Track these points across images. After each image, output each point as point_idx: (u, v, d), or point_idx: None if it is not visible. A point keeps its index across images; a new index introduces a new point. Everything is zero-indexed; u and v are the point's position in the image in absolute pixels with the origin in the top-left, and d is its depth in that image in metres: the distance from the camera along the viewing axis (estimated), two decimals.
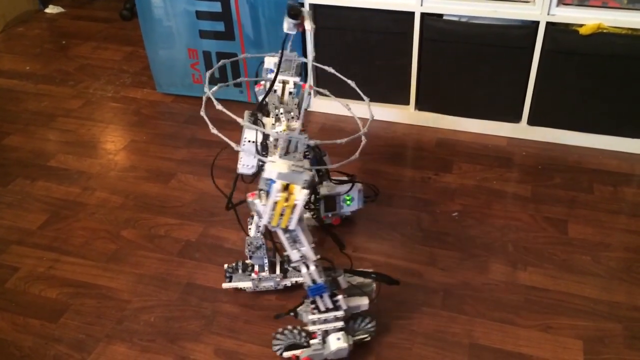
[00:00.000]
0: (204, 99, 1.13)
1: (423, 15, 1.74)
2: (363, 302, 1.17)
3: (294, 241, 1.03)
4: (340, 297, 1.12)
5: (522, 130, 1.84)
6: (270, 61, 1.33)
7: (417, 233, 1.50)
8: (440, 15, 1.76)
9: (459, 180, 1.69)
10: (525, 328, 1.26)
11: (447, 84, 1.85)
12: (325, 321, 1.15)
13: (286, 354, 1.20)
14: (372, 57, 1.87)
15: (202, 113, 1.11)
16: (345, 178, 1.42)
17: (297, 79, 1.25)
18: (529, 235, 1.49)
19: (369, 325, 1.20)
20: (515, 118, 1.84)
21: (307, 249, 1.05)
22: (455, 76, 1.83)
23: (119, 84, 2.29)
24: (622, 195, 1.61)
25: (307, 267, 1.07)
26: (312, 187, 0.98)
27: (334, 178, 1.44)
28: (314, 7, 1.82)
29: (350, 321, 1.18)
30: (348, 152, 1.06)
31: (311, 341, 1.18)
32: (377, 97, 1.85)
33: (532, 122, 1.82)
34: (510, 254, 1.44)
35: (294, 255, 1.05)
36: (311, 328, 1.16)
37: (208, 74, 1.17)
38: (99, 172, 1.80)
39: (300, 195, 0.94)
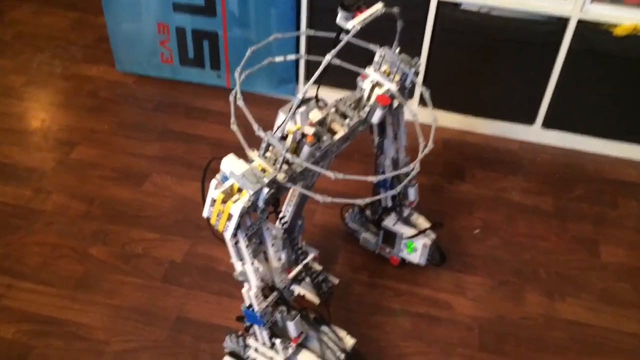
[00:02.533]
0: (232, 102, 0.89)
1: (439, 3, 1.54)
2: None
3: (239, 253, 0.88)
4: (277, 341, 0.95)
5: (535, 134, 1.69)
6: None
7: (437, 254, 1.33)
8: (458, 4, 1.56)
9: (475, 190, 1.53)
10: None
11: (458, 79, 1.66)
12: (263, 356, 0.99)
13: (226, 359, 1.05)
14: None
15: (234, 127, 0.87)
16: (422, 222, 1.23)
17: (394, 88, 1.02)
18: (560, 258, 1.35)
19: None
20: (529, 120, 1.68)
21: (249, 268, 0.89)
22: (468, 71, 1.65)
23: (68, 58, 1.95)
24: None
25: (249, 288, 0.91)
26: (267, 204, 0.82)
27: (414, 215, 1.24)
28: None
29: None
30: None
31: None
32: None
33: (547, 125, 1.67)
34: (544, 281, 1.29)
35: (236, 265, 0.90)
36: (250, 354, 1.01)
37: (238, 72, 0.91)
38: (53, 169, 1.50)
39: (236, 205, 0.80)
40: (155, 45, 1.79)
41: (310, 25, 1.67)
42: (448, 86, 1.68)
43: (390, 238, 1.23)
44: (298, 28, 1.68)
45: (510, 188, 1.54)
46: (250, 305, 0.92)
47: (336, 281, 1.21)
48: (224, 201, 0.81)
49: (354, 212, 1.31)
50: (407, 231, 1.20)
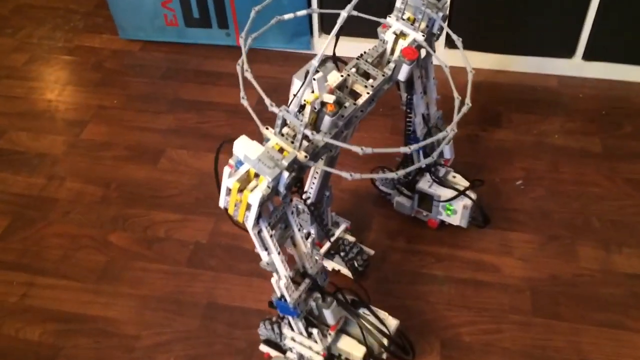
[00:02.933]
0: (240, 73, 0.79)
1: None
2: (356, 352, 0.90)
3: (263, 243, 0.79)
4: (315, 331, 0.88)
5: (575, 67, 1.54)
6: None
7: (480, 215, 1.23)
8: None
9: (514, 137, 1.41)
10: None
11: (486, 14, 1.51)
12: (301, 344, 0.91)
13: (262, 347, 0.99)
14: None
15: (244, 102, 0.77)
16: (459, 181, 1.12)
17: (421, 38, 0.90)
18: (613, 204, 1.24)
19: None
20: (568, 53, 1.53)
21: (276, 258, 0.80)
22: (497, 4, 1.49)
23: (70, 29, 1.85)
24: None
25: (278, 277, 0.83)
26: (289, 188, 0.73)
27: (451, 174, 1.13)
28: None
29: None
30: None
31: (289, 353, 0.95)
32: None
33: (588, 56, 1.52)
34: (598, 231, 1.19)
35: (262, 255, 0.81)
36: (286, 342, 0.94)
37: (242, 38, 0.81)
38: (65, 153, 1.42)
39: (254, 194, 0.70)
40: (157, 7, 1.67)
41: None
42: (476, 23, 1.53)
43: (426, 201, 1.13)
44: None
45: (552, 131, 1.41)
46: (282, 296, 0.84)
47: (371, 252, 1.13)
48: (241, 190, 0.72)
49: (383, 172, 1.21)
50: (444, 193, 1.10)
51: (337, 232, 1.11)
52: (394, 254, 1.17)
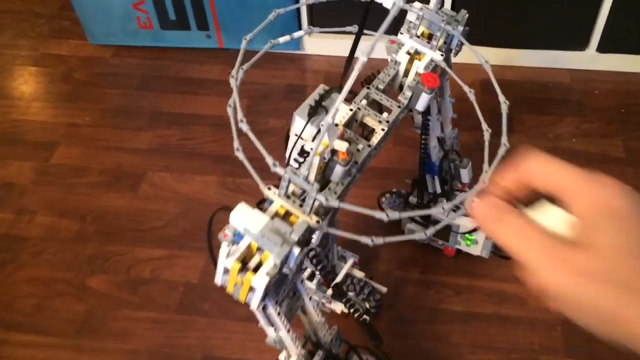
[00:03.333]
0: (232, 116, 0.66)
1: None
2: None
3: (269, 319, 0.67)
4: None
5: (589, 60, 1.42)
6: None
7: None
8: None
9: (527, 141, 1.29)
10: None
11: (490, 5, 1.38)
12: None
13: None
14: None
15: (239, 154, 0.63)
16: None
17: (439, 57, 0.77)
18: None
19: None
20: (581, 44, 1.41)
21: (285, 336, 0.68)
22: None
23: (35, 35, 1.68)
24: None
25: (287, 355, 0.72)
26: (299, 268, 0.62)
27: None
28: None
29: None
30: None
31: None
32: None
33: (603, 48, 1.40)
34: None
35: (269, 332, 0.70)
36: None
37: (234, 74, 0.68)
38: (34, 182, 1.28)
39: (259, 278, 0.58)
40: (128, 9, 1.51)
41: None
42: (478, 14, 1.39)
43: (444, 230, 1.01)
44: None
45: (569, 134, 1.30)
46: None
47: (384, 290, 1.01)
48: (242, 269, 0.60)
49: (392, 196, 1.09)
50: (463, 223, 0.98)
51: (343, 270, 0.99)
52: (408, 287, 1.05)
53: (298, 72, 1.50)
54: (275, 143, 1.24)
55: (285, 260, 0.59)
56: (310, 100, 0.73)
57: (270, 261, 0.58)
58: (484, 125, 0.70)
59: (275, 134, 1.32)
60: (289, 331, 0.67)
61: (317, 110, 0.72)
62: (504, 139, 0.66)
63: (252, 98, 1.43)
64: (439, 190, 0.99)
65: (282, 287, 0.65)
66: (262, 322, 0.67)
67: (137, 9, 1.51)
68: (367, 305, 0.97)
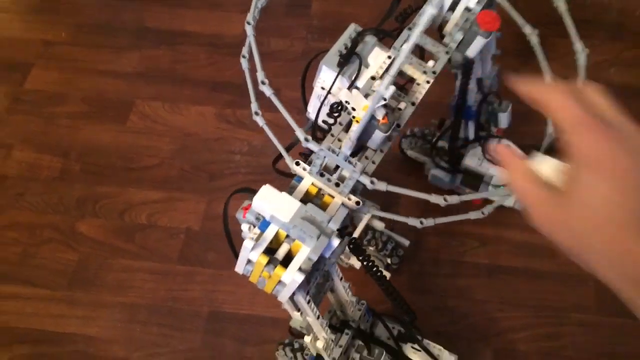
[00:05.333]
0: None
1: None
2: None
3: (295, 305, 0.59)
4: None
5: None
6: None
7: None
8: None
9: (561, 72, 1.16)
10: None
11: None
12: None
13: None
14: None
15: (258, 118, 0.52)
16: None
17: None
18: None
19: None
20: None
21: (314, 322, 0.61)
22: None
23: None
24: None
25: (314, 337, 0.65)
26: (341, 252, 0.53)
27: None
28: None
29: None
30: None
31: None
32: None
33: None
34: None
35: (294, 315, 0.63)
36: None
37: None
38: (8, 110, 1.14)
39: (292, 275, 0.49)
40: None
41: None
42: None
43: (473, 180, 0.91)
44: None
45: (606, 62, 1.17)
46: (319, 356, 0.65)
47: (407, 243, 0.93)
48: (270, 262, 0.50)
49: (413, 135, 0.99)
50: (497, 173, 0.88)
51: (362, 222, 0.89)
52: (429, 238, 0.97)
53: None
54: (280, 69, 1.11)
55: (341, 247, 0.50)
56: (340, 45, 0.60)
57: (304, 254, 0.49)
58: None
59: (278, 58, 1.18)
60: (318, 317, 0.59)
61: (348, 58, 0.59)
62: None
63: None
64: (471, 137, 0.88)
65: (314, 276, 0.55)
66: (287, 307, 0.59)
67: None
68: (389, 261, 0.89)
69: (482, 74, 0.81)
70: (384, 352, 0.68)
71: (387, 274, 0.84)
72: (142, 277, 0.95)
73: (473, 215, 0.58)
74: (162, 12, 1.28)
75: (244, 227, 0.51)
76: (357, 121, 0.53)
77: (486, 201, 0.93)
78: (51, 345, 0.89)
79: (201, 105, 1.14)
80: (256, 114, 0.55)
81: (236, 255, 0.52)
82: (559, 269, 0.93)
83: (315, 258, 0.48)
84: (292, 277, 0.49)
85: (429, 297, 0.91)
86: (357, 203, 0.52)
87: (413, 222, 0.54)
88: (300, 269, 0.49)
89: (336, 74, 0.58)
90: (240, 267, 0.52)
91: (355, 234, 0.87)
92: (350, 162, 0.51)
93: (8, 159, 1.08)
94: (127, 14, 1.28)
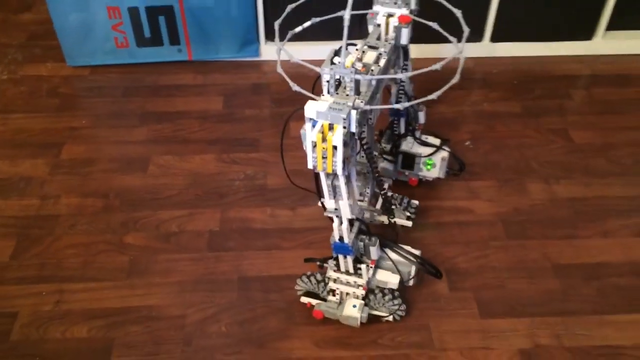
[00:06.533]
0: (278, 53, 0.94)
1: None
2: (392, 279, 1.11)
3: (334, 190, 0.94)
4: (363, 266, 1.08)
5: (485, 49, 1.86)
6: None
7: (456, 164, 1.46)
8: None
9: (452, 109, 1.67)
10: (588, 238, 1.31)
11: None
12: (346, 283, 1.11)
13: (303, 299, 1.16)
14: None
15: (279, 70, 0.92)
16: (433, 140, 1.34)
17: (406, 11, 1.09)
18: (544, 149, 1.53)
19: (393, 304, 1.10)
20: (478, 37, 1.84)
21: (345, 204, 0.96)
22: None
23: (9, 62, 1.86)
24: (597, 96, 1.72)
25: (340, 221, 0.99)
26: (360, 126, 0.88)
27: (423, 137, 1.35)
28: None
29: (376, 294, 1.10)
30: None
31: (329, 297, 1.13)
32: None
33: (495, 38, 1.84)
34: (538, 171, 1.47)
35: (329, 204, 0.97)
36: (330, 285, 1.12)
37: (277, 24, 0.97)
38: (50, 173, 1.46)
39: (337, 136, 0.85)
40: (107, 30, 1.75)
41: None
42: None
43: (409, 161, 1.34)
44: None
45: (480, 101, 1.70)
46: (341, 238, 1.00)
47: (416, 202, 1.32)
48: (324, 139, 0.85)
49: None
50: (424, 150, 1.32)
51: (386, 185, 1.23)
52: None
53: (260, 74, 1.81)
54: (253, 127, 1.54)
55: (349, 123, 0.85)
56: (329, 58, 1.02)
57: (340, 127, 0.84)
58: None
59: (251, 120, 1.61)
60: (348, 199, 0.94)
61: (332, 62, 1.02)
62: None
63: (226, 95, 1.71)
64: (402, 131, 1.33)
65: (346, 160, 0.91)
66: (326, 194, 0.94)
67: (116, 30, 1.75)
68: (408, 213, 1.28)
69: (406, 89, 1.27)
70: (378, 240, 1.04)
71: (409, 223, 1.23)
72: (182, 263, 1.25)
73: (398, 105, 0.97)
74: (158, 101, 1.70)
75: (308, 128, 0.86)
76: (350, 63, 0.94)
77: (420, 181, 1.37)
78: (121, 316, 1.16)
79: (202, 154, 1.52)
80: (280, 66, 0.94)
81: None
82: (476, 218, 1.35)
83: (344, 122, 0.83)
84: (337, 136, 0.83)
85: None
86: (362, 101, 0.89)
87: (398, 106, 0.93)
88: (340, 132, 0.84)
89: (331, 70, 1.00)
90: (309, 160, 0.86)
91: (386, 188, 1.23)
92: (345, 69, 0.90)
93: (57, 204, 1.38)
94: (132, 105, 1.68)
